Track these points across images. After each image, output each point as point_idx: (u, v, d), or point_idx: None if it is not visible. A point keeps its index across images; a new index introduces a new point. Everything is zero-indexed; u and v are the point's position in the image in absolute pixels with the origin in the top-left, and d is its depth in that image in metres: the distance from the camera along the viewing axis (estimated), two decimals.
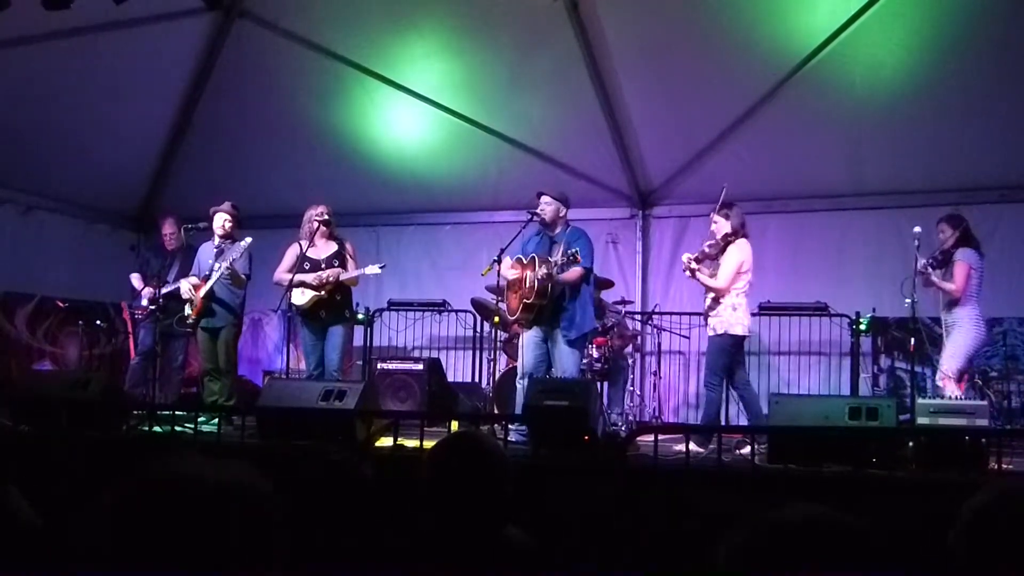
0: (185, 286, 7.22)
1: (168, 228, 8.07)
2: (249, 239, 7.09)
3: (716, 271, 6.39)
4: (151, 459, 1.12)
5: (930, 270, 6.35)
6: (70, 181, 9.24)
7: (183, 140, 9.56)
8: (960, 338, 6.35)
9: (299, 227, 7.17)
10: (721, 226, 6.41)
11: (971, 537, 1.32)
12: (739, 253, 6.33)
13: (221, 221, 7.25)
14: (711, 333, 6.44)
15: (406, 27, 8.30)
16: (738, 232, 6.38)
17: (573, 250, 6.16)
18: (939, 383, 6.39)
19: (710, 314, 6.42)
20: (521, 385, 6.48)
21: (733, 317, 6.29)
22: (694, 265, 6.38)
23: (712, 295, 6.39)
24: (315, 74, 8.78)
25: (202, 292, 7.09)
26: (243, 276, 7.14)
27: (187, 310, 7.21)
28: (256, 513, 1.10)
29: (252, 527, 1.08)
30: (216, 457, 1.15)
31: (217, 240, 7.27)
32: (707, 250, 6.44)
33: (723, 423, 6.71)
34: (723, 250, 6.38)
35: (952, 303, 6.42)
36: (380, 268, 7.17)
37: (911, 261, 6.32)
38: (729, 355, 6.36)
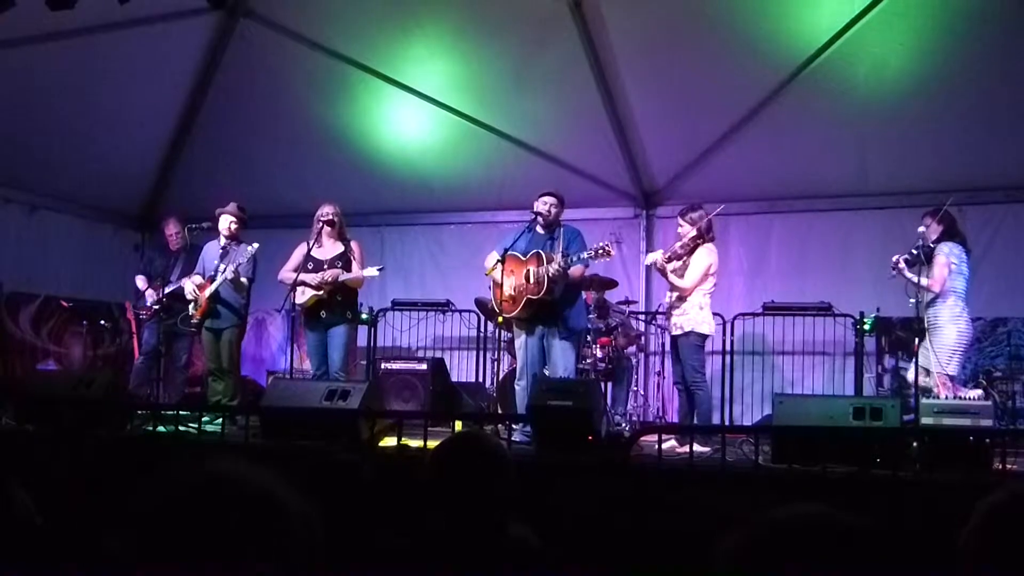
0: (189, 286, 7.22)
1: (172, 228, 8.08)
2: (256, 244, 7.07)
3: (683, 270, 6.47)
4: (179, 459, 1.13)
5: (903, 265, 6.13)
6: (74, 181, 9.25)
7: (187, 140, 9.57)
8: (943, 338, 6.12)
9: (302, 227, 7.19)
10: (686, 230, 6.52)
11: (984, 537, 1.32)
12: (707, 256, 6.44)
13: (227, 223, 7.23)
14: (676, 332, 6.48)
15: (410, 27, 8.30)
16: (704, 236, 6.48)
17: (598, 246, 6.17)
18: (933, 388, 6.07)
19: (674, 312, 6.49)
20: (520, 387, 6.48)
21: (700, 316, 6.40)
22: (664, 264, 6.50)
23: (676, 293, 6.48)
24: (319, 74, 8.78)
25: (207, 293, 7.09)
26: (244, 281, 7.13)
27: (191, 309, 7.22)
28: (285, 521, 1.10)
29: (273, 532, 1.09)
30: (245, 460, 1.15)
31: (223, 241, 7.27)
32: (678, 250, 6.54)
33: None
34: (692, 251, 6.47)
35: (933, 300, 6.16)
36: (378, 270, 7.12)
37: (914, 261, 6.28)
38: (701, 351, 6.50)
